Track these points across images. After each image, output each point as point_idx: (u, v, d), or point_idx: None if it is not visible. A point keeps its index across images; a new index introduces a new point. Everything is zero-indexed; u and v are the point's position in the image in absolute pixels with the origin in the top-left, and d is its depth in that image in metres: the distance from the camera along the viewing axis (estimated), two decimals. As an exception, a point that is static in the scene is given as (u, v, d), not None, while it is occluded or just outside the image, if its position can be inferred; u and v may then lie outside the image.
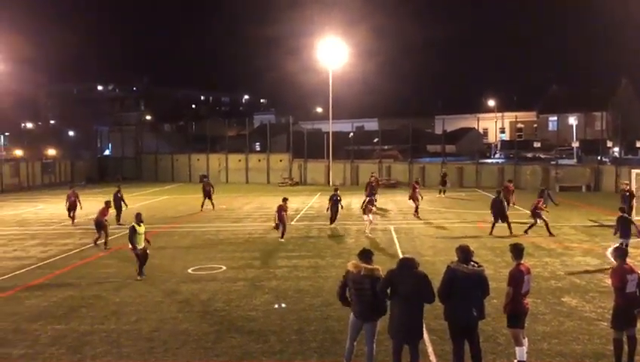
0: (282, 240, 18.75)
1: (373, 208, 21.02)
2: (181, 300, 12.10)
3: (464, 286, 7.47)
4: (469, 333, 7.63)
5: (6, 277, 14.56)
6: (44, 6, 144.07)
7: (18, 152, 66.69)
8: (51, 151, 63.07)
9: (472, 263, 7.62)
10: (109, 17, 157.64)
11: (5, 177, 43.51)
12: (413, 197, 24.56)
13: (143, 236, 14.30)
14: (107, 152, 67.35)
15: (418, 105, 75.72)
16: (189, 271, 14.84)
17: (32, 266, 15.79)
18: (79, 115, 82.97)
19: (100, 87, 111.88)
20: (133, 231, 14.08)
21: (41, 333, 10.11)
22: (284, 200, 19.65)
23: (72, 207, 23.73)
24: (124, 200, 23.77)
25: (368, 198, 20.98)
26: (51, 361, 8.86)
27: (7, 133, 73.09)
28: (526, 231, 19.40)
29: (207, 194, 27.88)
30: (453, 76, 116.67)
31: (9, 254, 17.72)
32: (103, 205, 19.35)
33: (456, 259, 7.71)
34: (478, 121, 60.44)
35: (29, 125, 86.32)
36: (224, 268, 15.00)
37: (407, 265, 7.50)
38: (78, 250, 18.25)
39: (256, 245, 18.46)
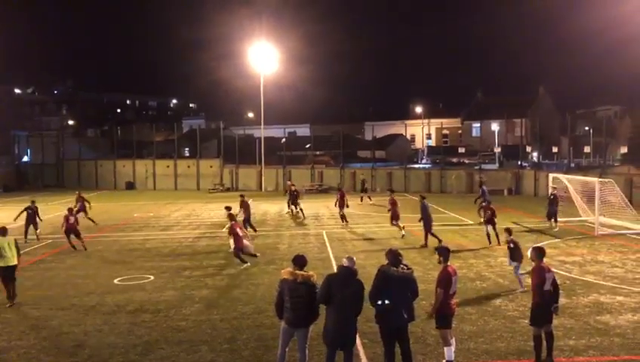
0: (255, 257, 16.37)
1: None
2: (107, 312, 11.62)
3: (395, 288, 7.61)
4: (400, 335, 7.78)
5: None
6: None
7: None
8: (-37, 158, 59.03)
9: (402, 266, 7.78)
10: (29, 17, 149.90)
11: None
12: (340, 204, 23.77)
13: (14, 251, 12.33)
14: (26, 158, 63.91)
15: (349, 112, 76.94)
16: (116, 281, 14.29)
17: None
18: (-5, 119, 78.27)
19: (18, 90, 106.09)
20: None
21: (-49, 353, 9.42)
22: (228, 209, 17.72)
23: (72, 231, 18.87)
24: (38, 215, 21.56)
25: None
26: (-38, 382, 8.27)
27: None
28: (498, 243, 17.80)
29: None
30: (383, 83, 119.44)
31: None
32: None
33: (386, 262, 7.86)
34: (406, 127, 62.08)
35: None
36: (152, 277, 14.55)
37: (348, 274, 7.54)
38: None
39: (186, 254, 18.03)
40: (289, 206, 27.29)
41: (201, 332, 10.25)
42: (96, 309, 11.82)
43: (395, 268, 7.71)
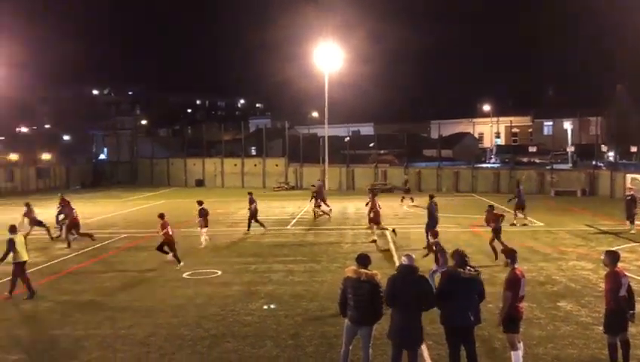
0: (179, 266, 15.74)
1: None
2: (176, 305, 12.05)
3: (460, 290, 7.48)
4: (466, 338, 7.64)
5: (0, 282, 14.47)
6: (41, 11, 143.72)
7: (13, 156, 66.42)
8: (46, 156, 62.85)
9: (469, 268, 7.64)
10: (105, 22, 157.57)
11: (0, 181, 43.33)
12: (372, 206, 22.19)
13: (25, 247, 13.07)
14: (102, 157, 67.20)
15: (414, 110, 75.86)
16: (185, 275, 14.80)
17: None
18: (74, 119, 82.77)
19: (95, 92, 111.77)
20: (12, 244, 12.79)
21: (36, 339, 10.06)
22: (200, 203, 19.08)
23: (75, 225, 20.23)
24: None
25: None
26: (46, 367, 8.81)
27: (2, 138, 72.85)
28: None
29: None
30: (450, 81, 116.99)
31: (3, 259, 17.59)
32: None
33: (452, 262, 7.74)
34: (474, 125, 60.59)
35: (24, 129, 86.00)
36: (219, 272, 14.96)
37: (409, 271, 7.49)
38: (72, 255, 18.17)
39: (252, 250, 18.42)
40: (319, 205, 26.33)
41: (266, 327, 10.45)
42: (167, 302, 12.28)
43: (461, 270, 7.58)
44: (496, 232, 16.17)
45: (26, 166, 48.01)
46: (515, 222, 22.81)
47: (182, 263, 15.70)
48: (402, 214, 27.16)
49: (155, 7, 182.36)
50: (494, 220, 16.39)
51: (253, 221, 21.65)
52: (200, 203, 19.26)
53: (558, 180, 37.95)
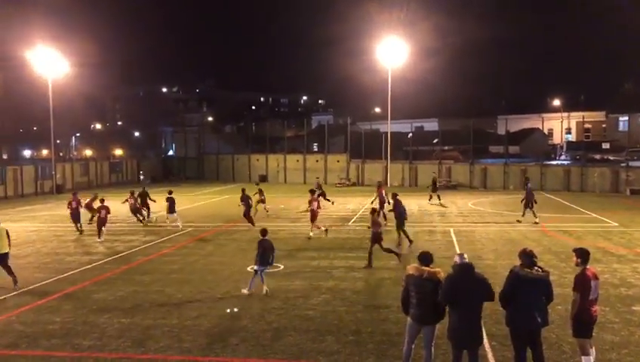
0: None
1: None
2: (240, 297, 12.30)
3: (528, 290, 7.24)
4: (532, 340, 7.39)
5: (77, 271, 15.27)
6: (112, 11, 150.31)
7: (88, 152, 69.86)
8: (118, 151, 65.72)
9: (537, 268, 7.38)
10: (174, 21, 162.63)
11: (75, 175, 45.67)
12: (381, 201, 23.34)
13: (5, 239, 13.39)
14: (171, 152, 69.50)
15: (480, 105, 73.97)
16: (249, 268, 15.07)
17: (100, 261, 16.49)
18: (145, 116, 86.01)
19: (164, 89, 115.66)
20: None
21: (108, 326, 10.53)
22: (170, 193, 22.88)
23: (75, 216, 21.98)
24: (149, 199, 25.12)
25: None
26: (117, 353, 9.20)
27: (77, 134, 76.66)
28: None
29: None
30: (517, 75, 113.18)
31: (79, 249, 18.58)
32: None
33: (519, 263, 7.49)
34: (543, 121, 58.41)
35: (98, 126, 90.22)
36: (282, 266, 15.15)
37: (466, 270, 7.33)
38: (142, 246, 18.92)
39: (313, 245, 18.55)
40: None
41: (327, 323, 10.49)
42: (231, 294, 12.56)
43: (528, 270, 7.33)
44: None
45: (100, 161, 50.37)
46: (520, 219, 22.66)
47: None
48: (467, 212, 26.58)
49: (221, 6, 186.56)
50: None
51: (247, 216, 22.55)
52: (169, 192, 23.05)
53: (634, 178, 36.01)
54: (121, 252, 17.94)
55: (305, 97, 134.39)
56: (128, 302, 12.16)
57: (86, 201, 23.86)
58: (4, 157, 56.64)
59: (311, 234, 20.12)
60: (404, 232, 18.37)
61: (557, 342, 9.19)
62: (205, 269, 15.20)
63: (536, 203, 22.70)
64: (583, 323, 7.68)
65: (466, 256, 7.55)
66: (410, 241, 17.97)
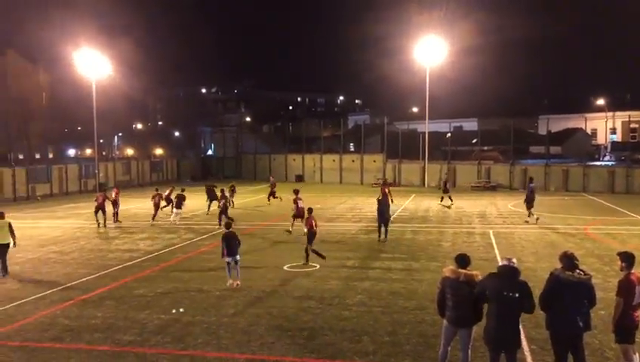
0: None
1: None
2: (276, 296, 12.41)
3: (569, 294, 7.07)
4: (573, 345, 7.21)
5: (118, 267, 15.68)
6: (153, 14, 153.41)
7: (129, 151, 71.53)
8: (159, 151, 67.04)
9: (578, 271, 7.20)
10: (213, 23, 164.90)
11: (118, 174, 46.84)
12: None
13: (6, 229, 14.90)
14: (210, 152, 70.49)
15: (521, 105, 72.52)
16: (285, 268, 15.19)
17: (141, 258, 16.88)
18: (185, 116, 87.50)
19: (204, 90, 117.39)
20: None
21: (148, 322, 10.77)
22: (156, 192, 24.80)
23: (100, 209, 23.39)
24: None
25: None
26: (157, 349, 9.40)
27: (120, 134, 78.57)
28: None
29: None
30: (559, 74, 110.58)
31: (121, 246, 19.06)
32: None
33: (560, 266, 7.32)
34: (586, 121, 56.85)
35: (140, 126, 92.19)
36: (317, 266, 15.19)
37: (508, 272, 7.20)
38: (181, 244, 19.26)
39: (349, 245, 18.53)
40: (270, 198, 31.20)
41: (363, 323, 10.48)
42: (267, 293, 12.68)
43: (569, 273, 7.15)
44: None
45: (141, 160, 51.51)
46: (528, 219, 22.91)
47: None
48: (506, 214, 26.12)
49: (259, 7, 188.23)
50: None
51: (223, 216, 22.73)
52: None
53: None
54: (160, 249, 18.32)
55: (341, 97, 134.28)
56: (167, 298, 12.40)
57: (165, 193, 26.28)
58: (50, 156, 58.41)
59: (290, 229, 21.03)
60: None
61: (600, 347, 8.95)
62: (241, 267, 15.35)
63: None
64: (625, 329, 7.45)
65: (515, 260, 7.42)
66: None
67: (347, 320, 10.70)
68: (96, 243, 19.69)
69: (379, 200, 19.86)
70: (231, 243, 13.18)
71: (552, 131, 48.89)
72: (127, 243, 19.76)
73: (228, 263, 13.30)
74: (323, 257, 15.48)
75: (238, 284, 13.18)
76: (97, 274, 14.80)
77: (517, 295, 7.02)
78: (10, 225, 15.00)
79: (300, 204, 20.89)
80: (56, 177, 40.50)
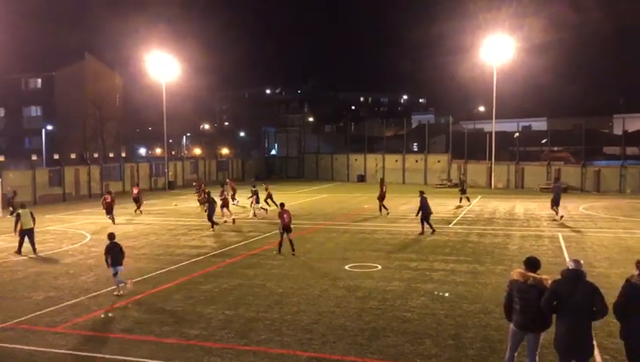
0: None
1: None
2: (338, 295, 12.44)
3: (646, 303, 6.70)
4: (651, 357, 6.83)
5: (186, 263, 16.19)
6: (220, 17, 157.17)
7: (197, 151, 73.67)
8: (225, 151, 68.70)
9: (657, 279, 6.80)
10: (277, 25, 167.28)
11: (186, 173, 48.38)
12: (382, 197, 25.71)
13: (29, 217, 17.67)
14: (273, 152, 71.58)
15: (594, 103, 69.37)
16: (346, 267, 15.21)
17: (208, 255, 17.36)
18: (249, 117, 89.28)
19: (268, 91, 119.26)
20: (18, 216, 17.78)
21: (213, 317, 11.07)
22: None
23: (109, 208, 24.28)
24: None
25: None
26: (222, 343, 9.64)
27: (188, 134, 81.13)
28: None
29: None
30: (637, 71, 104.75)
31: (189, 243, 19.66)
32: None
33: (636, 272, 6.95)
34: (667, 120, 53.40)
35: (207, 126, 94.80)
36: (379, 267, 15.13)
37: (574, 276, 6.92)
38: (246, 242, 19.67)
39: (412, 247, 18.33)
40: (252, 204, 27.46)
41: (425, 326, 10.34)
42: (329, 292, 12.74)
43: (647, 280, 6.78)
44: None
45: (208, 160, 52.98)
46: (556, 218, 23.24)
47: None
48: (577, 217, 25.07)
49: (322, 8, 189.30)
50: None
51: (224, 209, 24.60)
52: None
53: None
54: (226, 246, 18.77)
55: (405, 96, 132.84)
56: (233, 294, 12.69)
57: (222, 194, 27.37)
58: (123, 155, 61.12)
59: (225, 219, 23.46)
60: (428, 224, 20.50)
61: (680, 360, 8.43)
62: (304, 266, 15.52)
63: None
64: None
65: (582, 262, 7.12)
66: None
67: (409, 321, 10.59)
68: (165, 239, 20.42)
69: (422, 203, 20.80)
70: (116, 255, 12.78)
71: (628, 131, 46.48)
72: (195, 239, 20.36)
73: (115, 274, 12.73)
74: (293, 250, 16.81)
75: (123, 292, 12.76)
76: (166, 269, 15.35)
77: (587, 300, 6.73)
78: (31, 213, 17.94)
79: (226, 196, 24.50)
80: (128, 175, 42.36)
